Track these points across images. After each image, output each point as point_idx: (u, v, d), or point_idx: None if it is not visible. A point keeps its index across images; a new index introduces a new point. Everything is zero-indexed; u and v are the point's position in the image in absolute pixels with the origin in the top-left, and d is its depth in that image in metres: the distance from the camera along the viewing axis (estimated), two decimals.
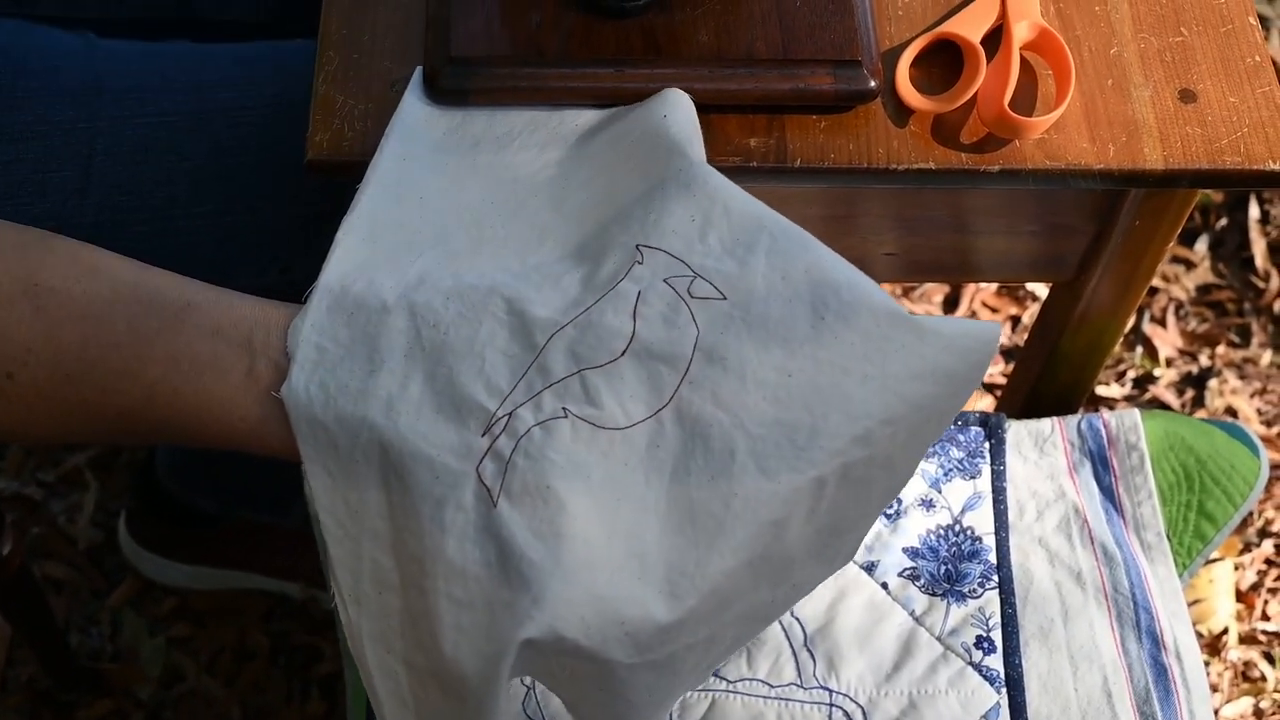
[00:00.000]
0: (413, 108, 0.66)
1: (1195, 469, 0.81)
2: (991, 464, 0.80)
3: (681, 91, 0.65)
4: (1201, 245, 1.49)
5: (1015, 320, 1.45)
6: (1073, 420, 0.83)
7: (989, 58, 0.70)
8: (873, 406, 0.53)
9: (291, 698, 1.22)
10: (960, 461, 0.80)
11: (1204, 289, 1.47)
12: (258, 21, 0.94)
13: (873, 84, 0.68)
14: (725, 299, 0.55)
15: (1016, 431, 0.82)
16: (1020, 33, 0.70)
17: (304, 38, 0.83)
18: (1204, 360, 1.43)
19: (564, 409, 0.54)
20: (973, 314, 1.45)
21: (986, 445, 0.81)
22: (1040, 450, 0.82)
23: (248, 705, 1.22)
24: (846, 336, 0.54)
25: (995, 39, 0.71)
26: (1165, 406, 1.40)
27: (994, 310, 1.45)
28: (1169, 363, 1.43)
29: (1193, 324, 1.45)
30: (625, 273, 0.56)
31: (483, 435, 0.53)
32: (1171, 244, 0.79)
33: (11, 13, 0.87)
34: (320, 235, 0.81)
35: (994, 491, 0.79)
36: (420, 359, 0.54)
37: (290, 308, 0.57)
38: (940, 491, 0.79)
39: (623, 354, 0.54)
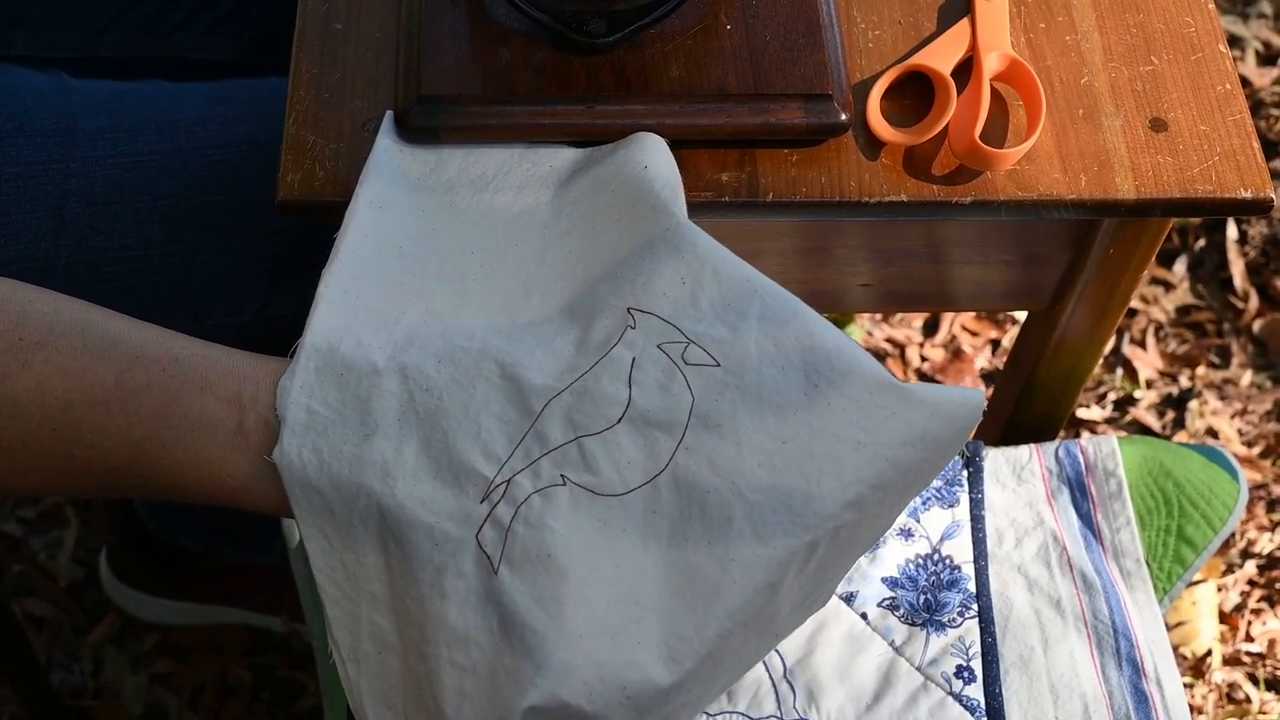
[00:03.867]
0: (386, 151, 0.66)
1: (1174, 494, 0.81)
2: (970, 492, 0.80)
3: (660, 139, 0.65)
4: (1180, 266, 1.49)
5: (995, 344, 1.45)
6: (1050, 447, 0.83)
7: (960, 89, 0.70)
8: (865, 473, 0.54)
9: None
10: (938, 490, 0.80)
11: (1183, 310, 1.48)
12: (232, 60, 0.95)
13: (844, 117, 0.68)
14: (719, 365, 0.55)
15: (994, 459, 0.82)
16: (991, 64, 0.70)
17: (278, 75, 0.83)
18: (1184, 381, 1.43)
19: (562, 476, 0.54)
20: (952, 338, 1.45)
21: (965, 474, 0.81)
22: (1018, 478, 0.82)
23: None
24: (839, 403, 0.55)
25: (966, 70, 0.71)
26: (1146, 428, 1.40)
27: (973, 334, 1.46)
28: (1149, 384, 1.43)
29: (1172, 345, 1.46)
30: (619, 337, 0.56)
31: (481, 502, 0.53)
32: (1147, 270, 0.80)
33: None
34: (296, 274, 0.81)
35: (972, 520, 0.79)
36: (414, 424, 0.54)
37: (278, 362, 0.57)
38: (919, 521, 0.79)
39: (619, 421, 0.55)
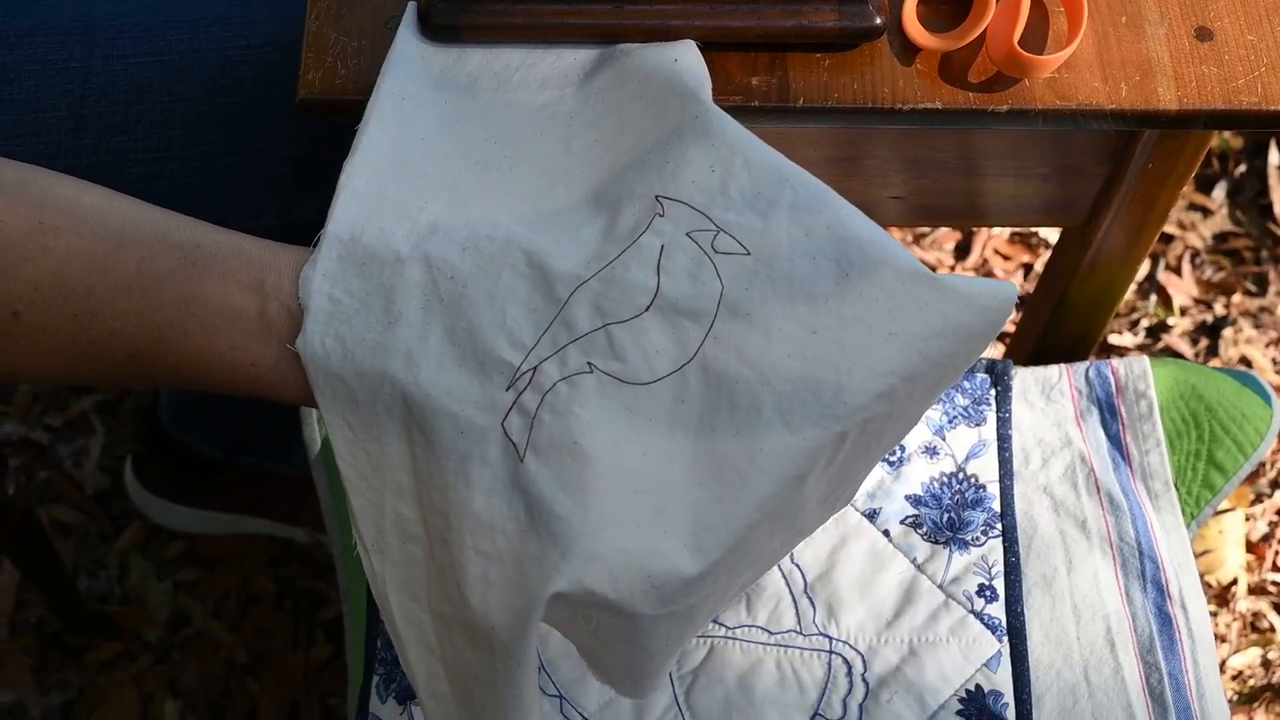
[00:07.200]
0: (407, 45, 0.64)
1: (1205, 417, 0.80)
2: (997, 411, 0.79)
3: (690, 41, 0.64)
4: (1219, 192, 1.47)
5: (1028, 268, 1.43)
6: (1080, 368, 0.82)
7: None
8: (896, 364, 0.53)
9: (297, 641, 1.22)
10: (965, 409, 0.79)
11: (1221, 237, 1.45)
12: None
13: (878, 21, 0.66)
14: (749, 254, 0.54)
15: (1023, 379, 0.81)
16: None
17: None
18: (1219, 309, 1.41)
19: (589, 364, 0.53)
20: (984, 261, 1.43)
21: (992, 392, 0.80)
22: (1047, 398, 0.80)
23: (253, 648, 1.22)
24: (871, 293, 0.54)
25: None
26: (1178, 355, 1.38)
27: (1006, 258, 1.44)
28: (1183, 311, 1.41)
29: (1209, 272, 1.43)
30: (647, 225, 0.55)
31: (507, 389, 0.53)
32: (1185, 188, 0.78)
33: None
34: (318, 178, 0.80)
35: (999, 439, 0.78)
36: (439, 312, 0.54)
37: (299, 251, 0.56)
38: (944, 439, 0.78)
39: (647, 309, 0.54)
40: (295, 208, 0.81)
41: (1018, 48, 0.65)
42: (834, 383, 0.53)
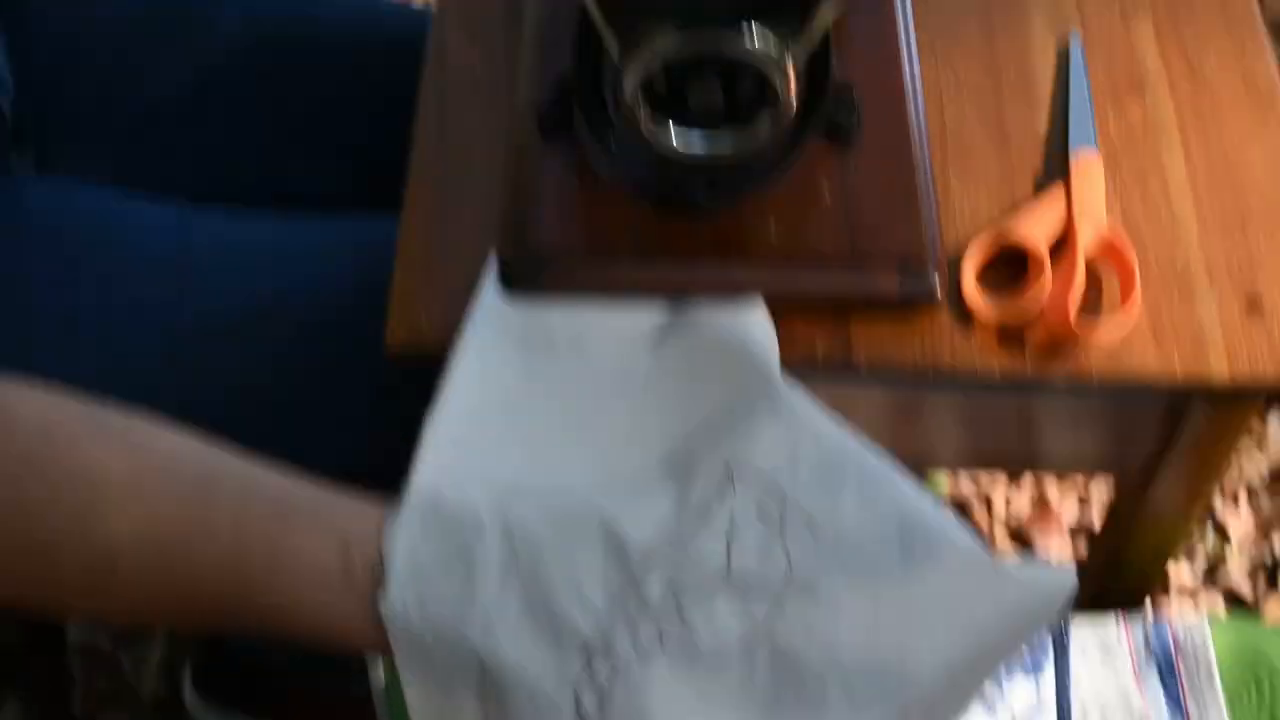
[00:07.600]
0: (490, 301, 0.68)
1: (1266, 680, 0.79)
2: (1056, 673, 0.79)
3: (760, 304, 0.67)
4: (1275, 423, 1.47)
5: (1081, 502, 1.43)
6: (1139, 626, 0.81)
7: (1054, 259, 0.70)
8: (959, 648, 0.55)
9: None
10: (1023, 661, 0.79)
11: (1277, 471, 1.45)
12: (344, 191, 0.97)
13: (938, 287, 0.69)
14: (817, 533, 0.56)
15: (1081, 635, 0.81)
16: (1086, 240, 0.70)
17: (390, 209, 0.85)
18: (1277, 544, 1.40)
19: (660, 639, 0.54)
20: (1040, 494, 1.43)
21: (1051, 650, 0.80)
22: (1105, 654, 0.80)
23: None
24: (934, 577, 0.55)
25: (1061, 242, 0.71)
26: (1236, 595, 1.37)
27: (1061, 478, 1.44)
28: (1240, 547, 1.40)
29: (1265, 504, 1.43)
30: (718, 500, 0.57)
31: (580, 662, 0.54)
32: (1240, 440, 0.79)
33: (108, 180, 0.90)
34: (398, 420, 0.82)
35: (1058, 703, 0.78)
36: (516, 578, 0.55)
37: (383, 506, 0.57)
38: (1001, 690, 0.78)
39: (717, 585, 0.55)
40: (375, 447, 0.83)
41: (1074, 321, 0.67)
42: (898, 663, 0.54)
